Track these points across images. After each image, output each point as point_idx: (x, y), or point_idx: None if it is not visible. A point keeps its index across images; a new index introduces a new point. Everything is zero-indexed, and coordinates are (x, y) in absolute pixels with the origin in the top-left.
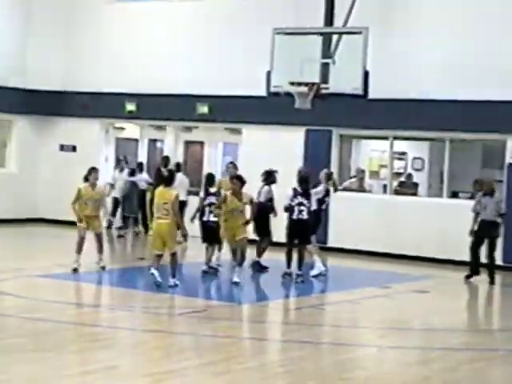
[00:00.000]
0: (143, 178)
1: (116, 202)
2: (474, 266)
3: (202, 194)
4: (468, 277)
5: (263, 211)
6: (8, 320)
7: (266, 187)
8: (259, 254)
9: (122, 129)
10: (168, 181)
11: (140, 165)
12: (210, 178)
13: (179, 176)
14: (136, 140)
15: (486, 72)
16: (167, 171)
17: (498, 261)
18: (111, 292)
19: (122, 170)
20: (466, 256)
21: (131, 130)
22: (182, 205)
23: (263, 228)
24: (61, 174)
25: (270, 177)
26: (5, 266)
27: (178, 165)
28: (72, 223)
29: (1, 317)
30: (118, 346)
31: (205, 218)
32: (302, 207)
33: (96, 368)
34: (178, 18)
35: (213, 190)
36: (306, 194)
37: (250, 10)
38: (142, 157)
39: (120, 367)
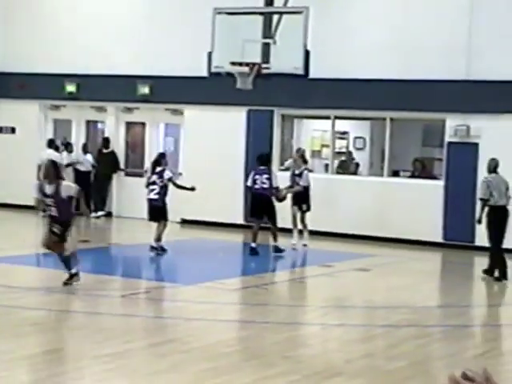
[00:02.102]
0: (88, 160)
1: None
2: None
3: (149, 173)
4: (487, 272)
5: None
6: None
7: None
8: (275, 238)
9: (61, 110)
10: None
11: (85, 146)
12: (159, 158)
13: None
14: (75, 121)
15: (426, 51)
16: None
17: (439, 238)
18: (51, 275)
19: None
20: (407, 234)
21: (70, 111)
22: None
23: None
24: (0, 156)
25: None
26: None
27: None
28: (11, 206)
29: None
30: (60, 329)
31: (149, 197)
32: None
33: (38, 352)
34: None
35: (159, 169)
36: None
37: None
38: (82, 138)
39: (63, 350)
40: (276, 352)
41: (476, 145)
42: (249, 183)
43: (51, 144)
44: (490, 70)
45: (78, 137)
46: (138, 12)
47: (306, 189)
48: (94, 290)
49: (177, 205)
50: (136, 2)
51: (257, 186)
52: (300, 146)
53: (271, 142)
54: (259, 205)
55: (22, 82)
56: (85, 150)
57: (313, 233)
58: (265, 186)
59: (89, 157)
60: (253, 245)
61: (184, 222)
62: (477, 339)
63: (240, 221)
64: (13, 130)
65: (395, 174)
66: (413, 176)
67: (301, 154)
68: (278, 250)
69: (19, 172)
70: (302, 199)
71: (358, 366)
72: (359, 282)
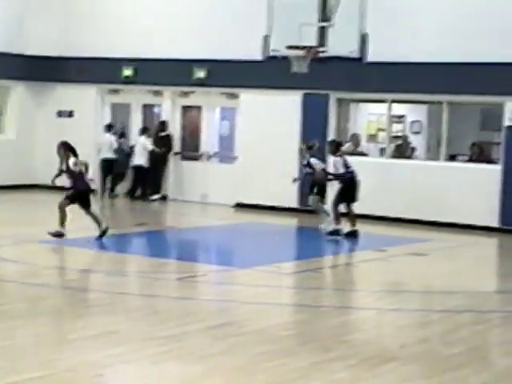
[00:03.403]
0: (144, 144)
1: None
2: None
3: None
4: None
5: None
6: (8, 286)
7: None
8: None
9: (118, 94)
10: None
11: (144, 129)
12: None
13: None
14: (132, 105)
15: (485, 34)
16: None
17: (495, 223)
18: (109, 257)
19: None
20: (463, 219)
21: (127, 95)
22: None
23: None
24: (58, 140)
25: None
26: (3, 232)
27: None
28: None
29: (0, 282)
30: (118, 311)
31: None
32: None
33: (97, 333)
34: None
35: None
36: None
37: None
38: (139, 121)
39: (120, 332)
40: (331, 336)
41: None
42: (342, 170)
43: (109, 128)
44: None
45: (135, 120)
46: None
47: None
48: (151, 272)
49: (231, 189)
50: None
51: (351, 170)
52: (355, 132)
53: (326, 126)
54: (356, 189)
55: (81, 66)
56: (143, 131)
57: (367, 217)
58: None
59: (144, 140)
60: (354, 228)
61: (238, 205)
62: None
63: (294, 205)
64: (70, 114)
65: (452, 158)
66: (470, 160)
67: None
68: (356, 234)
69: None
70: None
71: (413, 352)
72: (415, 266)
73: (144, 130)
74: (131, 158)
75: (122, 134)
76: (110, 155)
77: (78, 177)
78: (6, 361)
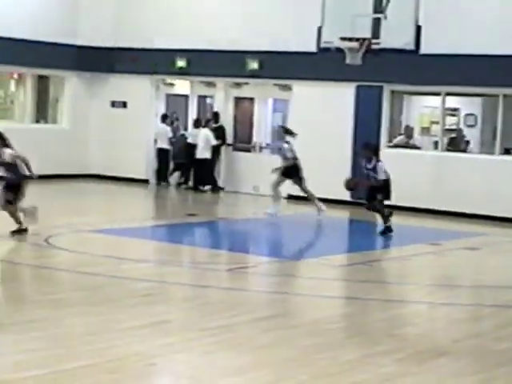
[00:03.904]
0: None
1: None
2: None
3: None
4: None
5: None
6: (62, 274)
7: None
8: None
9: (172, 85)
10: None
11: (196, 121)
12: None
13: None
14: (186, 96)
15: None
16: None
17: None
18: (162, 247)
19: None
20: None
21: (181, 86)
22: None
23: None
24: (112, 130)
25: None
26: (58, 221)
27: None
28: (121, 179)
29: (55, 271)
30: (170, 301)
31: None
32: None
33: (149, 322)
34: None
35: None
36: None
37: None
38: (192, 113)
39: (172, 322)
40: (381, 329)
41: None
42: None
43: (164, 119)
44: None
45: (191, 111)
46: None
47: None
48: (202, 263)
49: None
50: None
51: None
52: (408, 125)
53: (380, 118)
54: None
55: (134, 57)
56: (196, 124)
57: (420, 210)
58: None
59: (207, 133)
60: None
61: (290, 197)
62: None
63: (347, 197)
64: (124, 105)
65: (507, 152)
66: None
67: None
68: (390, 230)
69: (130, 145)
70: None
71: (464, 346)
72: (468, 260)
73: (206, 122)
74: (194, 150)
75: (172, 123)
76: (166, 145)
77: (10, 167)
78: (59, 348)
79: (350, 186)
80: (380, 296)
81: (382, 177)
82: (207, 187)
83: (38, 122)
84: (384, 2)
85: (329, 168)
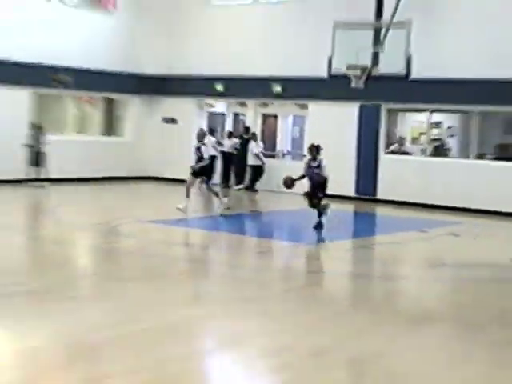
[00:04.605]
0: (233, 144)
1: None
2: None
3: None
4: None
5: None
6: (126, 256)
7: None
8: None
9: (212, 105)
10: None
11: (230, 133)
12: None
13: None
14: (223, 114)
15: (506, 56)
16: None
17: None
18: (204, 234)
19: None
20: (487, 206)
21: (220, 106)
22: None
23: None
24: (164, 141)
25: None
26: (123, 214)
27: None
28: (172, 180)
29: (120, 253)
30: (211, 277)
31: None
32: None
33: (195, 293)
34: (257, 17)
35: None
36: None
37: (315, 9)
38: (229, 127)
39: (214, 293)
40: (382, 299)
41: None
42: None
43: (212, 132)
44: None
45: (227, 126)
46: (273, 28)
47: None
48: (236, 246)
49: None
50: (272, 20)
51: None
52: (401, 135)
53: (378, 130)
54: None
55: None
56: (230, 136)
57: (410, 204)
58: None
59: (234, 141)
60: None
61: (307, 194)
62: None
63: (352, 193)
64: (174, 121)
65: (480, 157)
66: (495, 159)
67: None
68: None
69: (179, 153)
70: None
71: (447, 313)
72: (450, 244)
73: (230, 134)
74: (229, 156)
75: (230, 135)
76: (213, 152)
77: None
78: (124, 313)
79: (287, 183)
80: (380, 273)
81: (324, 174)
82: (240, 186)
83: (106, 135)
84: (381, 37)
85: (337, 168)
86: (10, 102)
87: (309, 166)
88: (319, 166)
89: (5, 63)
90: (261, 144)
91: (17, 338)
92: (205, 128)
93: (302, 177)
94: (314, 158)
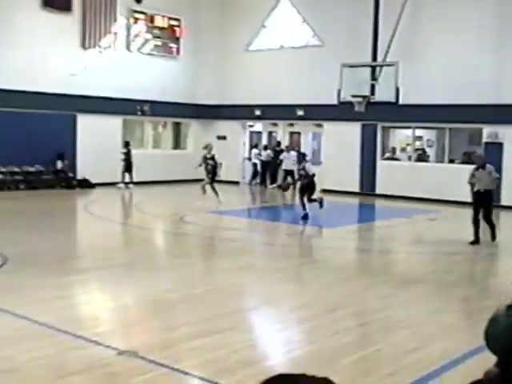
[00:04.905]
0: (268, 154)
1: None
2: (476, 235)
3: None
4: (473, 243)
5: None
6: (189, 238)
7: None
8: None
9: (252, 126)
10: None
11: (265, 146)
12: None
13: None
14: (260, 132)
15: (472, 85)
16: None
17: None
18: (249, 222)
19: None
20: (459, 197)
21: (258, 126)
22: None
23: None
24: (219, 153)
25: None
26: (187, 206)
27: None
28: (224, 182)
29: (185, 236)
30: (253, 253)
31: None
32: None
33: (241, 266)
34: (284, 59)
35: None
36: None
37: (328, 54)
38: (264, 142)
39: (255, 265)
40: (379, 268)
41: (501, 144)
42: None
43: (256, 146)
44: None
45: (263, 141)
46: (296, 66)
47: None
48: (270, 230)
49: (319, 180)
50: (295, 60)
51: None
52: (393, 146)
53: (375, 142)
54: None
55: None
56: (265, 148)
57: (402, 197)
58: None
59: (268, 152)
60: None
61: (323, 190)
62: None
63: (356, 189)
64: (225, 138)
65: (451, 161)
66: (462, 162)
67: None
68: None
69: (228, 161)
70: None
71: (430, 277)
72: (429, 227)
73: (265, 147)
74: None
75: (265, 147)
76: (256, 160)
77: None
78: (190, 280)
79: (284, 187)
80: (378, 248)
81: (311, 172)
82: (274, 185)
83: (175, 149)
84: (377, 73)
85: (346, 172)
86: (108, 127)
87: (299, 169)
88: (304, 169)
89: (104, 99)
90: (293, 153)
91: (113, 298)
92: (247, 143)
93: (298, 179)
94: (300, 163)
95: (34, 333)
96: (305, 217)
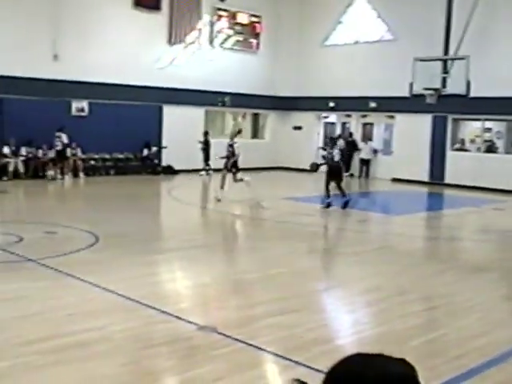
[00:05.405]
0: (341, 143)
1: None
2: None
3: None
4: None
5: None
6: (265, 222)
7: None
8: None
9: (326, 117)
10: None
11: (339, 136)
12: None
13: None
14: (334, 123)
15: None
16: None
17: None
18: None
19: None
20: None
21: (332, 117)
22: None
23: None
24: (294, 142)
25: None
26: (264, 193)
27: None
28: (298, 170)
29: (262, 220)
30: (326, 237)
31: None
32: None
33: (313, 249)
34: (358, 54)
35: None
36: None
37: (401, 48)
38: (338, 132)
39: (328, 249)
40: (446, 254)
41: None
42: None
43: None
44: None
45: (337, 131)
46: (370, 60)
47: None
48: (343, 216)
49: (390, 169)
50: (368, 54)
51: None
52: (463, 138)
53: (446, 134)
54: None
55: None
56: (338, 138)
57: (469, 187)
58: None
59: (342, 142)
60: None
61: (394, 179)
62: None
63: (426, 179)
64: (300, 128)
65: None
66: None
67: None
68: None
69: (303, 150)
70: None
71: (495, 265)
72: (496, 216)
73: (338, 137)
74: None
75: (339, 138)
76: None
77: None
78: (266, 261)
79: (313, 167)
80: (446, 235)
81: (336, 159)
82: (346, 174)
83: (253, 138)
84: (448, 67)
85: (416, 161)
86: (191, 117)
87: (328, 153)
88: (331, 153)
89: (188, 91)
90: (371, 144)
91: (194, 277)
92: (322, 133)
93: (324, 163)
94: (331, 147)
95: (123, 306)
96: (346, 203)
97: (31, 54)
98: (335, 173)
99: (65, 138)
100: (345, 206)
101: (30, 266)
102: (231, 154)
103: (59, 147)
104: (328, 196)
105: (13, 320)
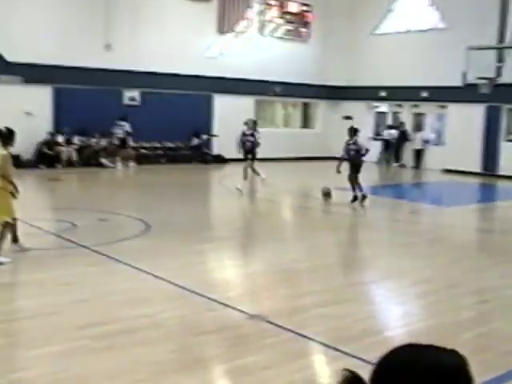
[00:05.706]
0: (390, 133)
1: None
2: None
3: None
4: None
5: None
6: (314, 212)
7: None
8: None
9: (377, 106)
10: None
11: (390, 126)
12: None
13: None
14: (385, 113)
15: None
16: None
17: None
18: (374, 199)
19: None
20: None
21: (383, 107)
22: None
23: None
24: (343, 131)
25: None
26: (313, 182)
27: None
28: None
29: (311, 210)
30: (377, 228)
31: None
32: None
33: (365, 239)
34: (410, 42)
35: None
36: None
37: (453, 37)
38: (389, 122)
39: (378, 239)
40: (498, 246)
41: None
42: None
43: (391, 127)
44: None
45: (388, 121)
46: (421, 49)
47: None
48: (394, 207)
49: (441, 160)
50: (420, 43)
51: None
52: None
53: (499, 124)
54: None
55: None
56: (389, 128)
57: None
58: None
59: (392, 132)
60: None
61: (445, 170)
62: None
63: (479, 170)
64: (350, 118)
65: None
66: None
67: None
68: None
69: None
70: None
71: None
72: None
73: (390, 126)
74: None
75: (390, 127)
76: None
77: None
78: (315, 251)
79: (326, 194)
80: (498, 228)
81: (363, 149)
82: (395, 164)
83: (303, 128)
84: (504, 55)
85: (468, 152)
86: (241, 106)
87: (349, 144)
88: (355, 144)
89: (238, 80)
90: (423, 134)
91: (241, 265)
92: (372, 123)
93: (343, 159)
94: (351, 138)
95: (173, 294)
96: (364, 197)
97: (84, 44)
98: (357, 166)
99: (128, 127)
100: (354, 200)
101: (82, 252)
102: (251, 145)
103: (121, 135)
104: (360, 189)
105: (66, 305)
